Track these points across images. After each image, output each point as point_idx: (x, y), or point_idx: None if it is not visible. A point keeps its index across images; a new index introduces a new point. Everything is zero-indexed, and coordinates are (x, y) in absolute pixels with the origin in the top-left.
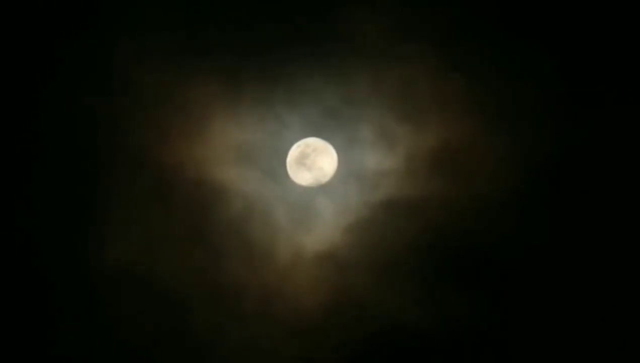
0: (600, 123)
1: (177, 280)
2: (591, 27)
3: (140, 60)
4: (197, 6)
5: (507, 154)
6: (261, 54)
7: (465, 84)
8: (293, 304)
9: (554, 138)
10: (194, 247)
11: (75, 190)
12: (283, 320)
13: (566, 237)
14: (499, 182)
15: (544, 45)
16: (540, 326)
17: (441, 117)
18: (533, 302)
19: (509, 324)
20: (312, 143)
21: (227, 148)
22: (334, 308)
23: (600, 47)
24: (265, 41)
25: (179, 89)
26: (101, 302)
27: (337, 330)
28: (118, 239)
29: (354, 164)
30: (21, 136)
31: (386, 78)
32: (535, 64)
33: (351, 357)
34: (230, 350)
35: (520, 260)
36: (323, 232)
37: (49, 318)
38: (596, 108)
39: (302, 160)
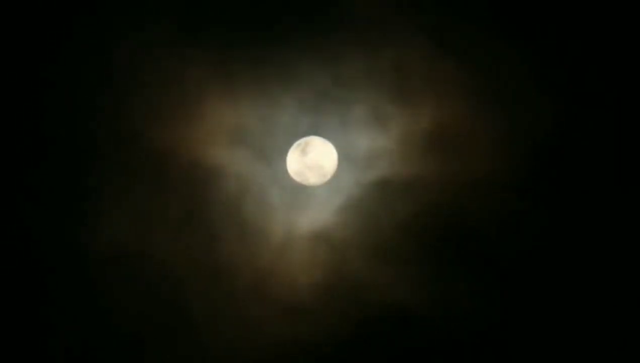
0: (597, 104)
1: (170, 260)
2: (587, 6)
3: (135, 44)
4: None
5: (502, 134)
6: (255, 37)
7: (459, 65)
8: (287, 284)
9: (549, 118)
10: (187, 227)
11: (69, 172)
12: (277, 299)
13: (562, 218)
14: (494, 163)
15: (538, 26)
16: (536, 307)
17: (435, 99)
18: (529, 283)
19: (504, 305)
20: (312, 141)
21: (220, 129)
22: (328, 288)
23: (597, 27)
24: (259, 24)
25: (172, 70)
26: (94, 282)
27: (330, 310)
28: (111, 220)
29: (348, 145)
30: (16, 119)
31: (380, 60)
32: (530, 45)
33: (344, 336)
34: (224, 328)
35: (515, 240)
36: (317, 212)
37: (40, 300)
38: (593, 89)
39: (302, 159)
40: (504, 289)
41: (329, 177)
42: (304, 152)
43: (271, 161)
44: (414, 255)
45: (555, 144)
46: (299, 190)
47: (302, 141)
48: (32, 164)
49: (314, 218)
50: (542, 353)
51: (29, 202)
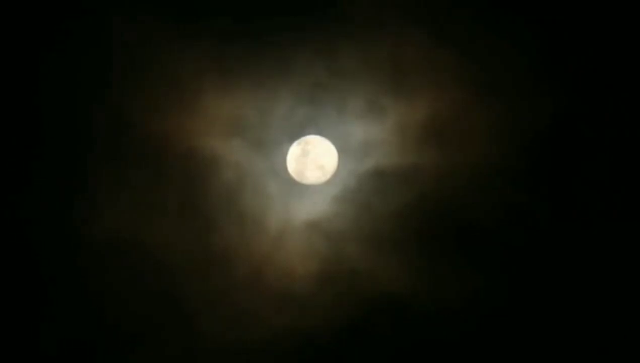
0: (596, 94)
1: (167, 250)
2: None
3: (132, 32)
4: None
5: (499, 125)
6: (251, 29)
7: (456, 56)
8: (283, 273)
9: (547, 109)
10: (185, 216)
11: (67, 161)
12: (273, 288)
13: (560, 208)
14: (491, 153)
15: (534, 15)
16: (534, 296)
17: (431, 89)
18: (526, 273)
19: (501, 294)
20: (313, 141)
21: (217, 120)
22: (324, 278)
23: (596, 18)
24: (256, 16)
25: (170, 62)
26: (91, 271)
27: (327, 299)
28: (109, 209)
29: (345, 135)
30: (15, 109)
31: (376, 51)
32: (527, 34)
33: (341, 325)
34: (221, 318)
35: (512, 230)
36: (313, 202)
37: (36, 288)
38: (590, 78)
39: (302, 159)
40: (500, 279)
41: (328, 176)
42: (304, 151)
43: (268, 152)
44: (410, 245)
45: (553, 134)
46: (296, 181)
47: (302, 140)
48: (30, 153)
49: (310, 208)
50: (540, 342)
51: (26, 191)
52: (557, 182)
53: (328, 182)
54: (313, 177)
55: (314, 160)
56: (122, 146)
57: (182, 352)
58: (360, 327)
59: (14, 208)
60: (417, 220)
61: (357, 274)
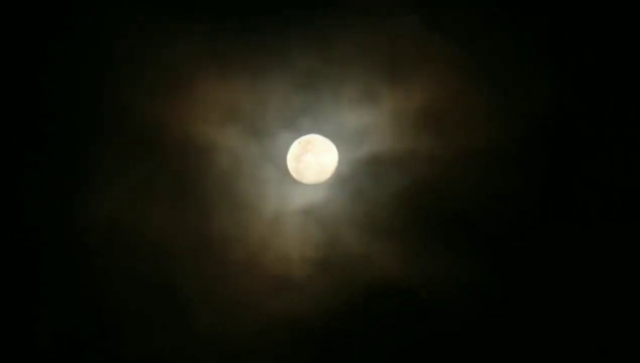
0: (592, 79)
1: (164, 235)
2: None
3: (129, 22)
4: None
5: (495, 111)
6: (247, 15)
7: (452, 41)
8: (279, 259)
9: (541, 95)
10: (181, 203)
11: (61, 148)
12: (269, 274)
13: (555, 193)
14: (487, 139)
15: (532, 5)
16: (529, 280)
17: (427, 75)
18: (522, 257)
19: (496, 282)
20: (313, 140)
21: (213, 107)
22: (320, 263)
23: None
24: (251, 3)
25: (166, 49)
26: (87, 257)
27: (322, 284)
28: (104, 196)
29: (340, 121)
30: (11, 96)
31: (372, 37)
32: (524, 21)
33: (336, 310)
34: (216, 303)
35: (507, 216)
36: (309, 188)
37: (30, 275)
38: (588, 64)
39: (302, 157)
40: (496, 264)
41: (328, 175)
42: (304, 150)
43: (264, 139)
44: (406, 231)
45: (550, 122)
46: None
47: (303, 139)
48: (26, 143)
49: (306, 195)
50: (536, 327)
51: (22, 179)
52: (553, 171)
53: (324, 169)
54: (313, 177)
55: (314, 160)
56: (119, 134)
57: (178, 337)
58: (355, 312)
59: (10, 197)
60: (412, 207)
61: (352, 260)
